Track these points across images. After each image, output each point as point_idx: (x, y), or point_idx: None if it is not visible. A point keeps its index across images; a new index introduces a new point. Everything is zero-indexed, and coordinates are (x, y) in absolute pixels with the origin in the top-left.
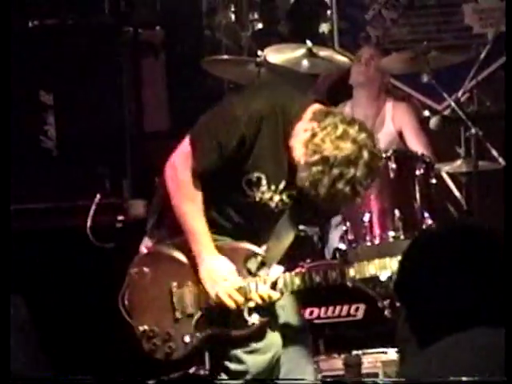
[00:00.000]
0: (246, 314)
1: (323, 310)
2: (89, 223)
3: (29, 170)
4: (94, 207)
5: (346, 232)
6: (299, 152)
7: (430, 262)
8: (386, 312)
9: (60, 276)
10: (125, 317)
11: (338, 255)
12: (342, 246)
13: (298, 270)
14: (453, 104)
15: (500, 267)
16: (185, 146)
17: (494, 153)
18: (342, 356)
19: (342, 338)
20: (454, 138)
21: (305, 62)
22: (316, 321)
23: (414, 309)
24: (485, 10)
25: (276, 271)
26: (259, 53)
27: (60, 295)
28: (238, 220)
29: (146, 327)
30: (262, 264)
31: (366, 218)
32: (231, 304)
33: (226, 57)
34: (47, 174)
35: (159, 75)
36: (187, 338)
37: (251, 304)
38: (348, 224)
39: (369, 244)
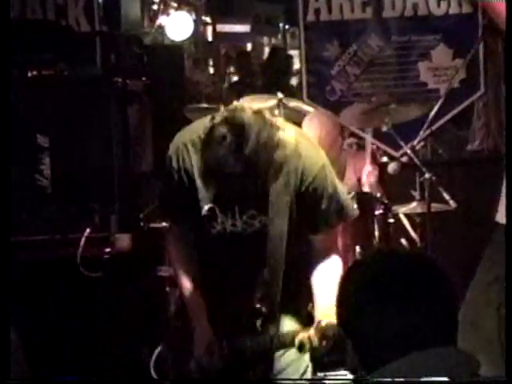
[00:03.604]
0: None
1: None
2: (79, 254)
3: (25, 206)
4: (84, 240)
5: None
6: None
7: (363, 291)
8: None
9: (51, 301)
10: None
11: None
12: None
13: None
14: (409, 151)
15: (432, 287)
16: None
17: (446, 196)
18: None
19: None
20: (409, 182)
21: (276, 112)
22: None
23: (355, 339)
24: (438, 68)
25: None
26: (234, 103)
27: (51, 319)
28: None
29: None
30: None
31: None
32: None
33: (205, 105)
34: (42, 210)
35: (144, 121)
36: None
37: None
38: None
39: None
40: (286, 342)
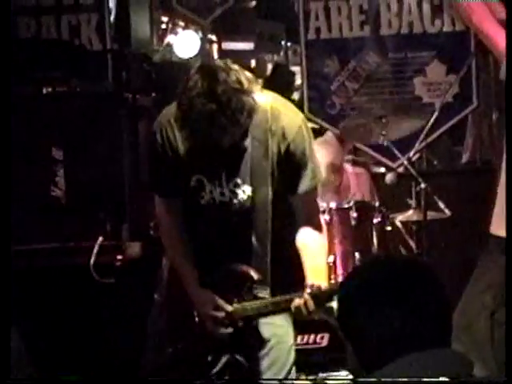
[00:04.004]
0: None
1: None
2: (92, 261)
3: (40, 215)
4: (96, 248)
5: None
6: None
7: (362, 295)
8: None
9: (66, 306)
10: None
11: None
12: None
13: None
14: (405, 162)
15: (431, 291)
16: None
17: (441, 204)
18: (310, 377)
19: (310, 362)
20: (406, 192)
21: None
22: None
23: (355, 341)
24: (432, 83)
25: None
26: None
27: (65, 322)
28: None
29: None
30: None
31: (331, 259)
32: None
33: None
34: (57, 219)
35: None
36: None
37: None
38: None
39: (333, 282)
40: (280, 307)
